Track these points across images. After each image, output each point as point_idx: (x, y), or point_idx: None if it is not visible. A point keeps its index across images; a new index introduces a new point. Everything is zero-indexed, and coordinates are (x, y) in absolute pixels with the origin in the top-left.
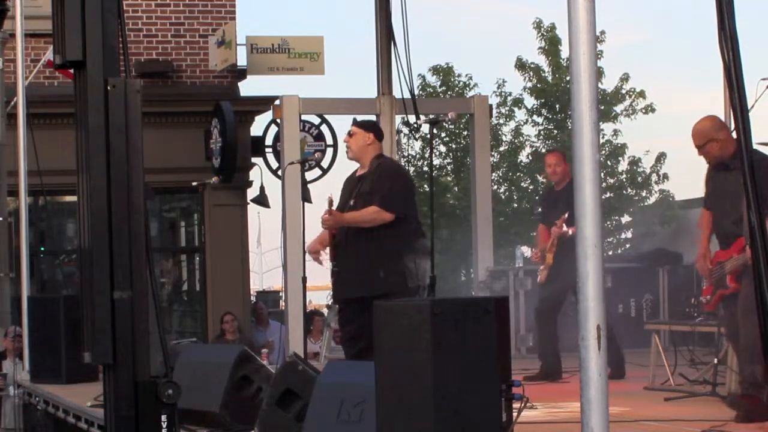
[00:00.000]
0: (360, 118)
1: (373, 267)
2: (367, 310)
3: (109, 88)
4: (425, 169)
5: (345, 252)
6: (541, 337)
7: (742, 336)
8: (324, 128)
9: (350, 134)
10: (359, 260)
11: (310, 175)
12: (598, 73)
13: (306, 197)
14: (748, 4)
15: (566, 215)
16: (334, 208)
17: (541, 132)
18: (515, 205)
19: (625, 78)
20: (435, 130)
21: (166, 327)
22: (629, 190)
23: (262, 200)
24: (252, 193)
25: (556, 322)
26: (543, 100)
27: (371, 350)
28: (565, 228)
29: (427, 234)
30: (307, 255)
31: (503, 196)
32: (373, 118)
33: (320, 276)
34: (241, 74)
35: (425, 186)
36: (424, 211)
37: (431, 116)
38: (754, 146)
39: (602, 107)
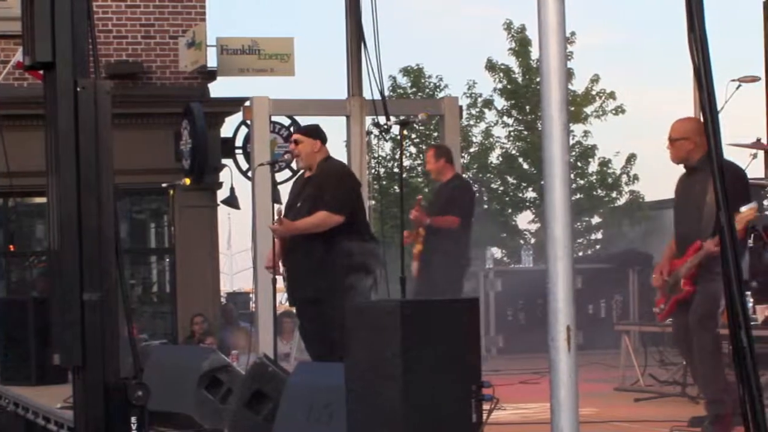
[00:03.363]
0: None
1: (323, 269)
2: (320, 311)
3: (78, 89)
4: (395, 170)
5: (296, 256)
6: None
7: (697, 349)
8: (294, 129)
9: (296, 143)
10: (310, 263)
11: (280, 177)
12: (568, 75)
13: (276, 198)
14: (718, 5)
15: (420, 197)
16: (282, 217)
17: (512, 133)
18: (485, 206)
19: (595, 79)
20: (405, 131)
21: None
22: (599, 191)
23: (232, 202)
24: (222, 194)
25: None
26: (513, 102)
27: (332, 353)
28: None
29: (393, 235)
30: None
31: None
32: (345, 119)
33: None
34: (212, 75)
35: (395, 187)
36: (394, 212)
37: (401, 117)
38: (724, 147)
39: (572, 108)
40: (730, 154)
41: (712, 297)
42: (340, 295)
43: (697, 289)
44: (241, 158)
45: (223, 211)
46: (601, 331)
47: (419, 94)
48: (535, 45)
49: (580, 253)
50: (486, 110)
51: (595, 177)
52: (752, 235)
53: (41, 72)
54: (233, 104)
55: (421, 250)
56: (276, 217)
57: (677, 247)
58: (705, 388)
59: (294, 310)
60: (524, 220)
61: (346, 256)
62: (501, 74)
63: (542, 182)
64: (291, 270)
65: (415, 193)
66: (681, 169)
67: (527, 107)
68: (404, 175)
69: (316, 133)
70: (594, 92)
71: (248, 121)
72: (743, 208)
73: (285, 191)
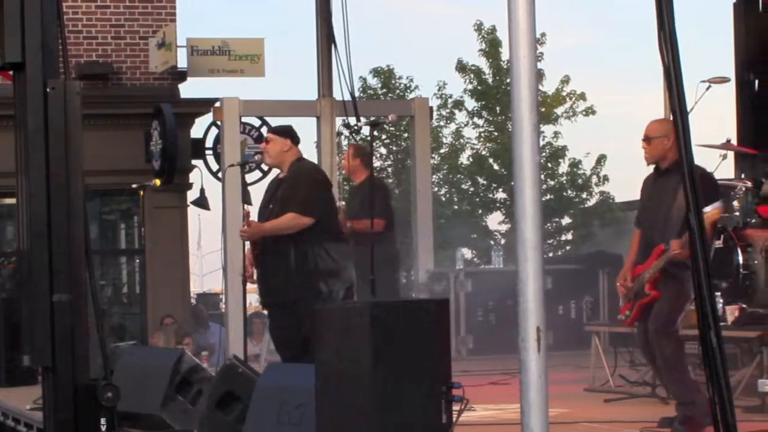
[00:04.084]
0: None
1: (295, 272)
2: (292, 313)
3: (48, 90)
4: None
5: (268, 258)
6: None
7: (660, 356)
8: (264, 130)
9: (266, 141)
10: (281, 265)
11: (250, 177)
12: (539, 76)
13: (246, 199)
14: (688, 6)
15: (342, 204)
16: (251, 219)
17: (482, 134)
18: (456, 207)
19: (565, 80)
20: (375, 132)
21: (105, 329)
22: (569, 192)
23: (202, 202)
24: (192, 195)
25: None
26: (483, 102)
27: (305, 354)
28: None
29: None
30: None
31: (444, 198)
32: (315, 119)
33: None
34: (182, 76)
35: None
36: None
37: (372, 118)
38: (693, 148)
39: (542, 109)
40: (699, 155)
41: (670, 303)
42: (313, 297)
43: (660, 295)
44: (211, 159)
45: (193, 211)
46: (572, 331)
47: (389, 95)
48: (505, 46)
49: (551, 254)
50: (456, 111)
51: (565, 178)
52: (722, 236)
53: (11, 72)
54: (203, 105)
55: None
56: (244, 220)
57: (641, 250)
58: (674, 391)
59: (265, 311)
60: (494, 220)
61: (318, 258)
62: (471, 75)
63: (512, 183)
64: (263, 272)
65: None
66: (651, 170)
67: (498, 108)
68: (374, 176)
69: (286, 132)
70: (564, 93)
71: (218, 122)
72: (707, 209)
73: (255, 192)
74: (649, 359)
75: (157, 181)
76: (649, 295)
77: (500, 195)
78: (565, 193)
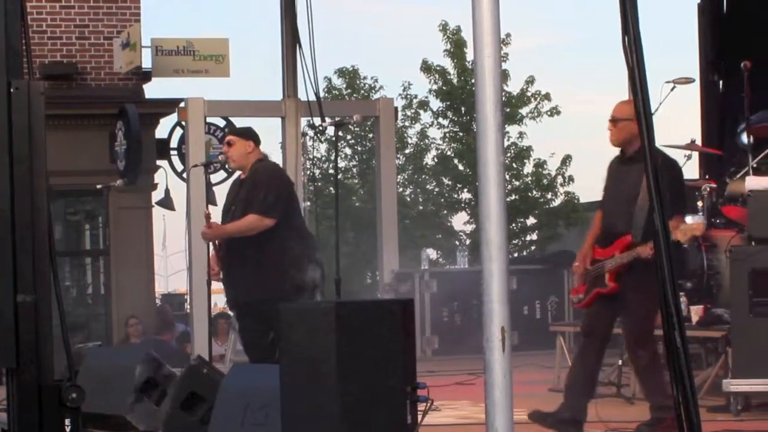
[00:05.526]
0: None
1: (257, 273)
2: (258, 314)
3: (12, 90)
4: (330, 171)
5: (231, 260)
6: None
7: (635, 366)
8: (227, 131)
9: (229, 144)
10: (244, 267)
11: (214, 178)
12: (503, 76)
13: (211, 200)
14: (652, 7)
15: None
16: (212, 220)
17: (447, 134)
18: (421, 207)
19: (530, 81)
20: (340, 133)
21: (70, 330)
22: (534, 192)
23: (166, 203)
24: (157, 195)
25: None
26: (448, 103)
27: (273, 355)
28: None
29: (328, 236)
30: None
31: (409, 199)
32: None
33: None
34: (146, 76)
35: (331, 188)
36: (329, 213)
37: (336, 119)
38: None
39: (507, 110)
40: None
41: (645, 316)
42: (278, 298)
43: (628, 300)
44: (176, 159)
45: (157, 212)
46: (537, 331)
47: (354, 95)
48: (470, 46)
49: (516, 254)
50: (421, 111)
51: (530, 178)
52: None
53: None
54: (168, 105)
55: None
56: (205, 221)
57: (603, 235)
58: (649, 396)
59: (231, 313)
60: (459, 221)
61: (282, 258)
62: (436, 75)
63: (477, 183)
64: (228, 274)
65: (350, 194)
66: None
67: (462, 108)
68: (339, 176)
69: (248, 134)
70: (529, 93)
71: (183, 122)
72: (689, 219)
73: (219, 192)
74: (596, 343)
75: (122, 182)
76: (608, 286)
77: (465, 195)
78: (530, 194)
